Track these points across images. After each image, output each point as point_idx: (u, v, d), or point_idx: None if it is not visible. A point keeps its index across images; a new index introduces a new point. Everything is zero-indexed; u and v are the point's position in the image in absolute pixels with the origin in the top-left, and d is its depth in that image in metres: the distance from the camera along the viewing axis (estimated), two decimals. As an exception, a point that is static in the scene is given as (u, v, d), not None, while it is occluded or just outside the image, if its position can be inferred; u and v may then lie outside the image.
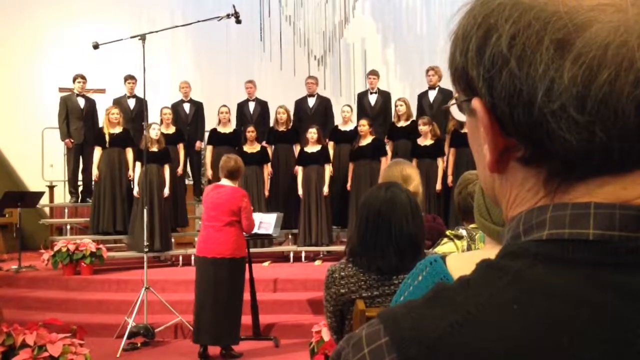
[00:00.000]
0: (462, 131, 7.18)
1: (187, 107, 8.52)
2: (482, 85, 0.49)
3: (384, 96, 8.43)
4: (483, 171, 0.54)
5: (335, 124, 8.30)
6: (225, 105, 8.10)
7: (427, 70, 8.13)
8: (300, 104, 8.48)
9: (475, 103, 0.50)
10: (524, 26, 0.46)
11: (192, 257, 7.26)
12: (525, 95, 0.46)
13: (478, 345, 0.43)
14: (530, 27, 0.46)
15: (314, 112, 8.41)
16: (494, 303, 0.45)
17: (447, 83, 7.98)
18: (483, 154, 0.51)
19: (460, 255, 1.31)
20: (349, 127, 7.93)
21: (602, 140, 0.45)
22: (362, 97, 8.53)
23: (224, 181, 4.90)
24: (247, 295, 5.27)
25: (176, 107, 8.42)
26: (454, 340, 0.44)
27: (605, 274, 0.44)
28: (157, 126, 7.30)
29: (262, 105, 8.62)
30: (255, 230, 5.52)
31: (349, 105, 8.09)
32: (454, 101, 0.56)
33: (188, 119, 8.47)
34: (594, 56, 0.45)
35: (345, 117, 7.95)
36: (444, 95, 8.02)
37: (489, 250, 1.31)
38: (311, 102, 8.47)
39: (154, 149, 7.13)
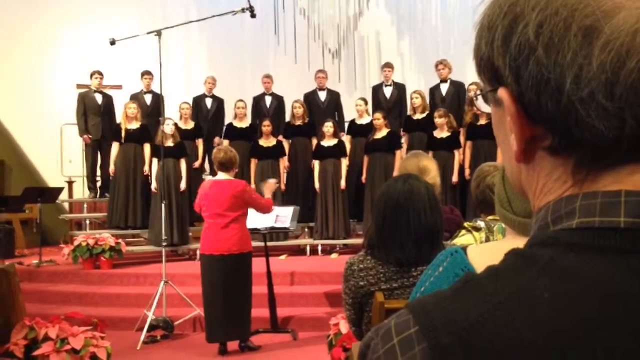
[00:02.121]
0: (479, 123, 7.14)
1: (209, 102, 8.55)
2: (508, 74, 0.49)
3: (399, 88, 8.39)
4: (509, 161, 0.54)
5: (352, 117, 8.28)
6: (241, 100, 8.12)
7: (437, 64, 8.08)
8: (311, 97, 8.46)
9: (502, 93, 0.50)
10: (551, 14, 0.46)
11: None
12: (553, 83, 0.46)
13: (510, 335, 0.43)
14: (558, 14, 0.46)
15: (327, 106, 8.41)
16: (525, 292, 0.44)
17: (458, 75, 7.94)
18: (509, 144, 0.51)
19: (482, 246, 1.30)
20: (365, 120, 7.90)
21: (632, 127, 0.45)
22: (377, 90, 8.50)
23: (220, 175, 4.77)
24: (264, 289, 5.30)
25: (198, 102, 8.46)
26: (486, 329, 0.44)
27: (637, 262, 0.44)
28: (171, 121, 7.32)
29: (279, 100, 8.62)
30: (272, 224, 5.54)
31: (362, 99, 8.05)
32: (479, 92, 0.55)
33: (209, 114, 8.51)
34: (622, 43, 0.44)
35: (359, 110, 7.92)
36: (456, 87, 7.97)
37: (510, 241, 1.30)
38: (322, 95, 8.45)
39: (170, 143, 7.17)
